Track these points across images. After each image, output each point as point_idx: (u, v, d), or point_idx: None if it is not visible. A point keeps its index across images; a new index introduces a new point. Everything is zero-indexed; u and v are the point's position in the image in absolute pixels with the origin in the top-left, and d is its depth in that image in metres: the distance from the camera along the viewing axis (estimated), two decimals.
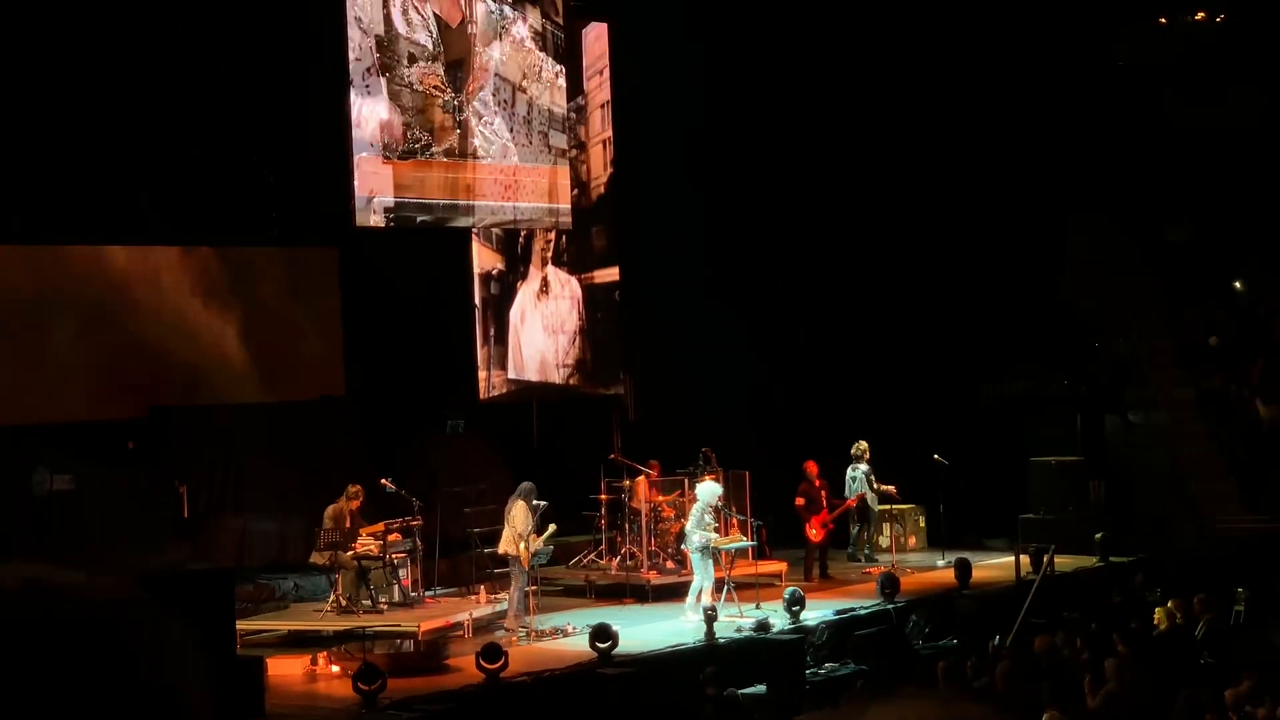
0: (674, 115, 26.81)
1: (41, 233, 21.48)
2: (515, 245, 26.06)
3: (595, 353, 27.02)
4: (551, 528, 20.81)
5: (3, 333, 21.20)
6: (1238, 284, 30.67)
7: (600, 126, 26.91)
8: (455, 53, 24.15)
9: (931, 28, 28.25)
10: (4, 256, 21.51)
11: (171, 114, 21.70)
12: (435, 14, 23.88)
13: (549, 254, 26.47)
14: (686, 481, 22.83)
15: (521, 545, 19.93)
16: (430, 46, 23.73)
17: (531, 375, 26.15)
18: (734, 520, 22.20)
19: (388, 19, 23.14)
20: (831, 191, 28.12)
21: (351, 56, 22.68)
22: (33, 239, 21.57)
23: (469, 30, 24.42)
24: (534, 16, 25.33)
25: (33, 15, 20.63)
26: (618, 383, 27.22)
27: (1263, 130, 30.84)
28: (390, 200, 23.15)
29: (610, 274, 27.24)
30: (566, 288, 26.74)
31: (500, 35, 24.84)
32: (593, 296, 27.08)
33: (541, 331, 26.32)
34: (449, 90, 23.90)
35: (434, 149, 23.69)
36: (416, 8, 23.55)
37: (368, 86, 22.91)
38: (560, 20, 25.70)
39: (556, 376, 26.52)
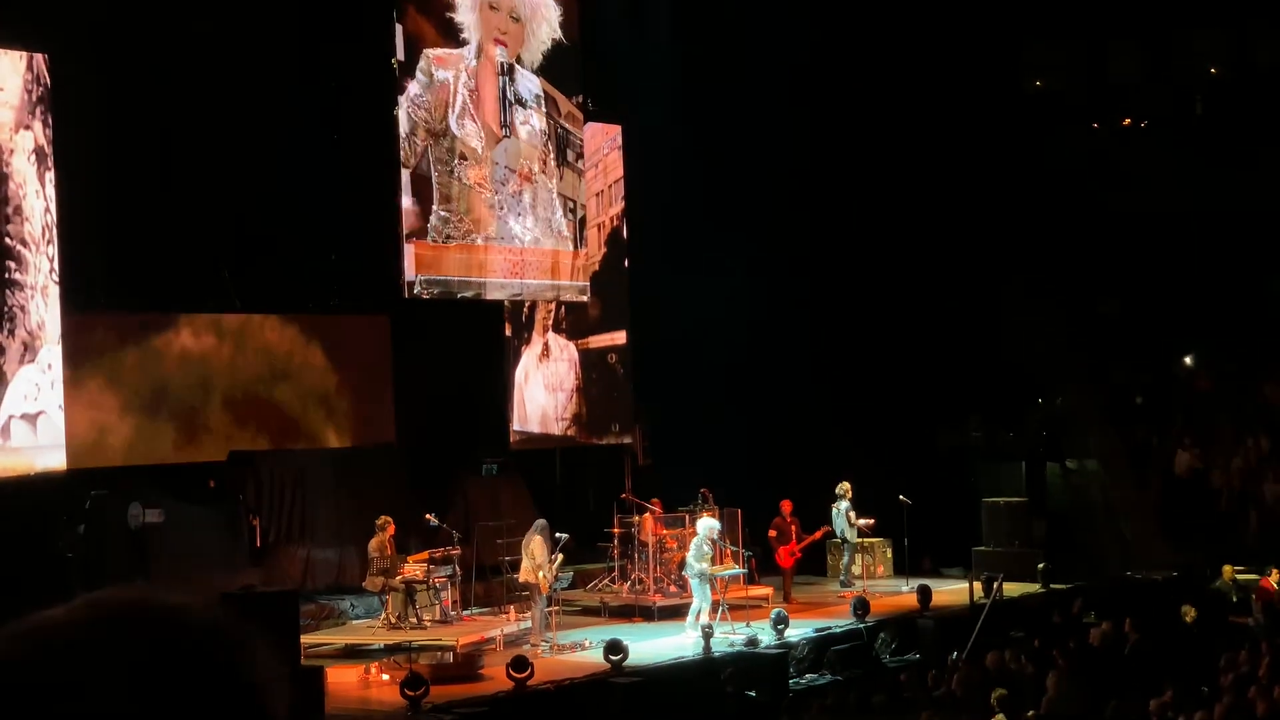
0: (674, 198, 26.97)
1: (153, 303, 21.60)
2: (520, 315, 25.98)
3: (590, 408, 26.84)
4: (559, 557, 20.68)
5: (117, 388, 21.22)
6: (1188, 360, 30.71)
7: (595, 212, 26.79)
8: (498, 156, 24.02)
9: (895, 130, 28.33)
10: (122, 323, 21.57)
11: (252, 206, 21.81)
12: (485, 122, 23.81)
13: (549, 322, 26.38)
14: (687, 517, 22.77)
15: (540, 574, 19.88)
16: (479, 150, 23.65)
17: (534, 428, 26.01)
18: (728, 551, 22.12)
19: (446, 123, 23.09)
20: (800, 276, 28.15)
21: (413, 153, 22.58)
22: (145, 308, 21.69)
23: (508, 136, 24.37)
24: (553, 120, 25.17)
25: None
26: (610, 434, 27.01)
27: (1186, 217, 30.91)
28: (436, 277, 23.03)
29: (603, 339, 27.10)
30: (565, 351, 26.62)
31: (531, 141, 24.75)
32: (588, 359, 26.91)
33: (543, 390, 26.17)
34: (489, 188, 23.81)
35: (475, 235, 23.57)
36: (473, 115, 23.52)
37: (422, 178, 22.84)
38: (570, 125, 25.50)
39: (556, 429, 26.31)
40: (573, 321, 26.68)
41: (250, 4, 21.48)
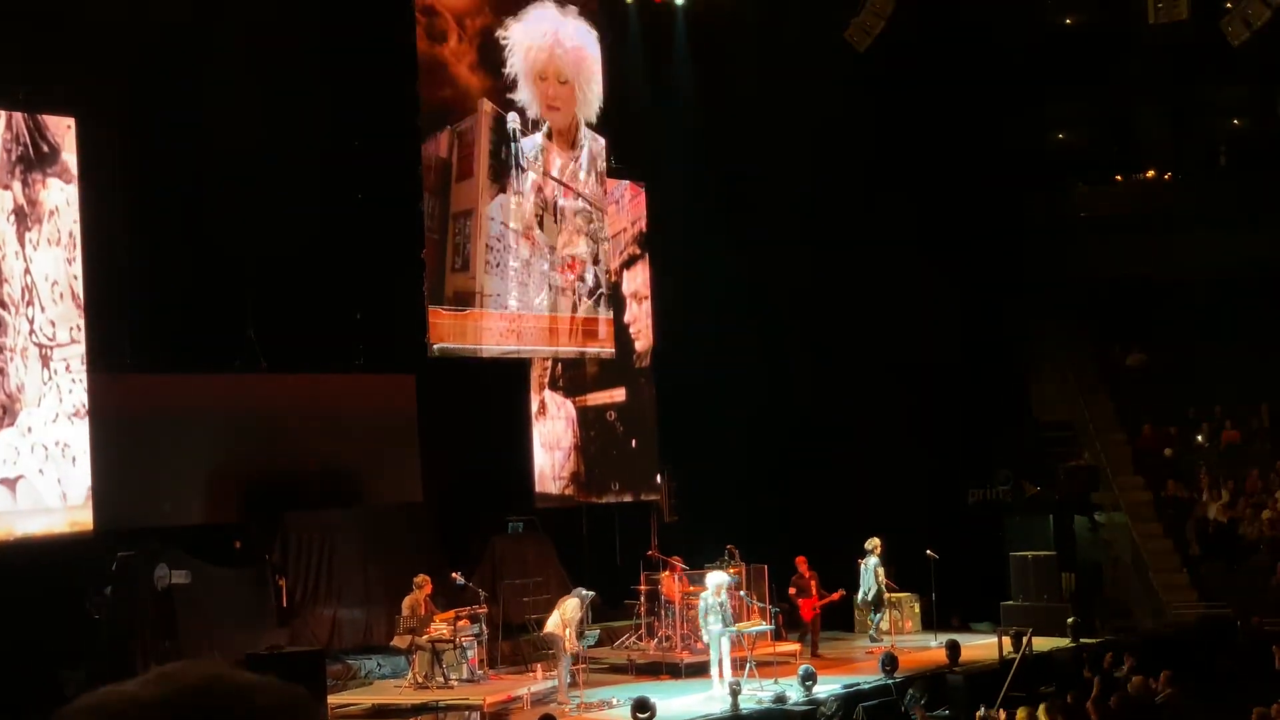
0: (696, 251, 27.01)
1: (178, 363, 21.62)
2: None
3: (588, 466, 26.55)
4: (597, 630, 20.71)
5: (141, 449, 21.21)
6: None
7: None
8: (499, 214, 24.03)
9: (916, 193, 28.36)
10: (147, 384, 21.58)
11: (277, 265, 21.85)
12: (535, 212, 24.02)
13: (546, 380, 26.20)
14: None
15: (567, 632, 19.78)
16: (508, 219, 23.75)
17: (531, 487, 25.88)
18: (754, 607, 21.99)
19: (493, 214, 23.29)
20: (825, 330, 28.11)
21: (435, 218, 22.61)
22: (171, 369, 21.70)
23: (556, 221, 24.50)
24: (568, 180, 25.12)
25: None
26: (610, 493, 26.71)
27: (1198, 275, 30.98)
28: (448, 345, 22.90)
29: (601, 396, 26.81)
30: (562, 409, 26.42)
31: (562, 218, 24.80)
32: (585, 417, 26.68)
33: (540, 448, 26.01)
34: (501, 252, 23.78)
35: (488, 301, 23.36)
36: (531, 190, 23.71)
37: (440, 242, 22.83)
38: (592, 189, 25.45)
39: (553, 488, 25.95)
40: (570, 379, 26.48)
41: (278, 64, 21.56)
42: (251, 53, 21.20)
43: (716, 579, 20.73)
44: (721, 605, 20.42)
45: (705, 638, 20.71)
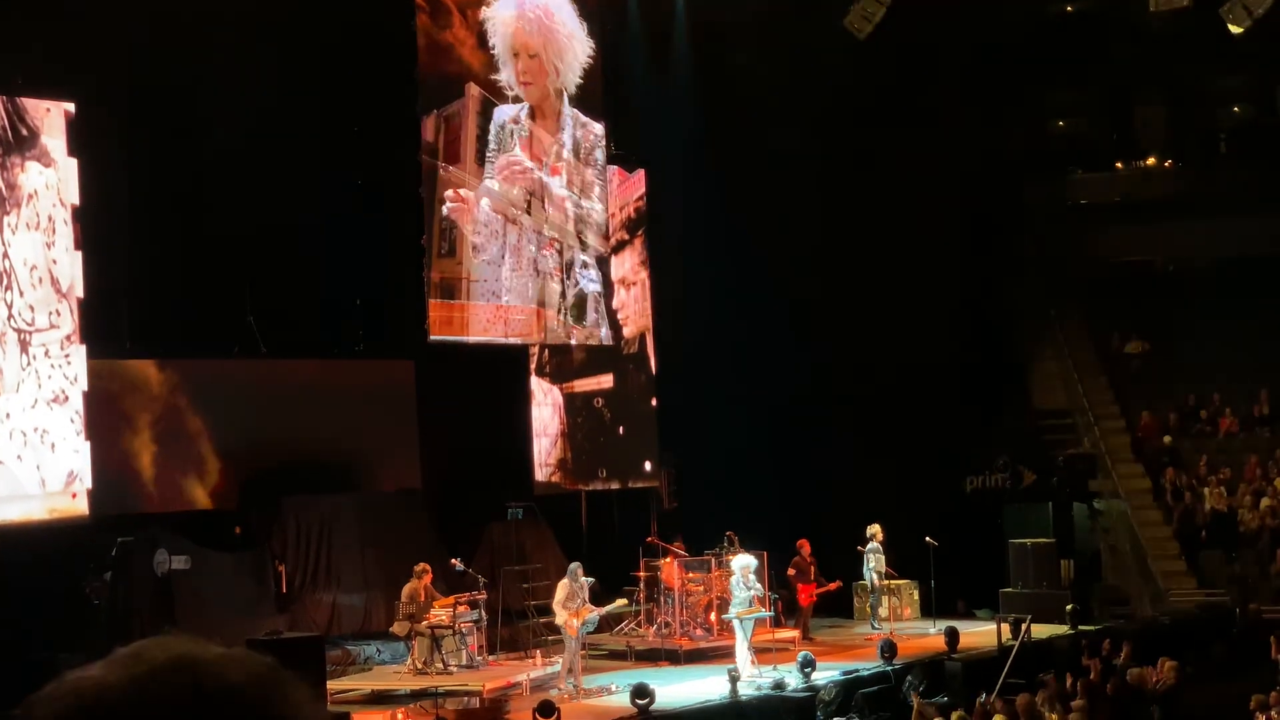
0: (697, 238, 26.95)
1: (178, 348, 21.60)
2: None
3: (575, 453, 26.49)
4: (621, 601, 20.69)
5: (142, 434, 21.20)
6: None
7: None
8: (537, 222, 24.09)
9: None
10: (146, 369, 21.57)
11: (277, 251, 21.84)
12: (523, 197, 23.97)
13: (532, 366, 26.12)
14: (713, 561, 22.64)
15: (564, 616, 19.73)
16: (509, 220, 23.74)
17: (531, 473, 25.79)
18: (754, 595, 21.95)
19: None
20: (826, 318, 28.05)
21: (436, 207, 22.62)
22: (170, 354, 21.68)
23: (544, 206, 24.46)
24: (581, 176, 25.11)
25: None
26: (597, 480, 26.64)
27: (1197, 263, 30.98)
28: (453, 339, 22.87)
29: (588, 383, 26.77)
30: (549, 395, 26.33)
31: (550, 202, 24.77)
32: (573, 403, 26.65)
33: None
34: (527, 246, 23.79)
35: (481, 292, 23.38)
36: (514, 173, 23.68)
37: (440, 232, 22.83)
38: (580, 173, 25.40)
39: (540, 475, 25.82)
40: (556, 365, 26.38)
41: (278, 50, 21.53)
42: (251, 38, 21.16)
43: (742, 561, 20.68)
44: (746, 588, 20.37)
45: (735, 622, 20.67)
